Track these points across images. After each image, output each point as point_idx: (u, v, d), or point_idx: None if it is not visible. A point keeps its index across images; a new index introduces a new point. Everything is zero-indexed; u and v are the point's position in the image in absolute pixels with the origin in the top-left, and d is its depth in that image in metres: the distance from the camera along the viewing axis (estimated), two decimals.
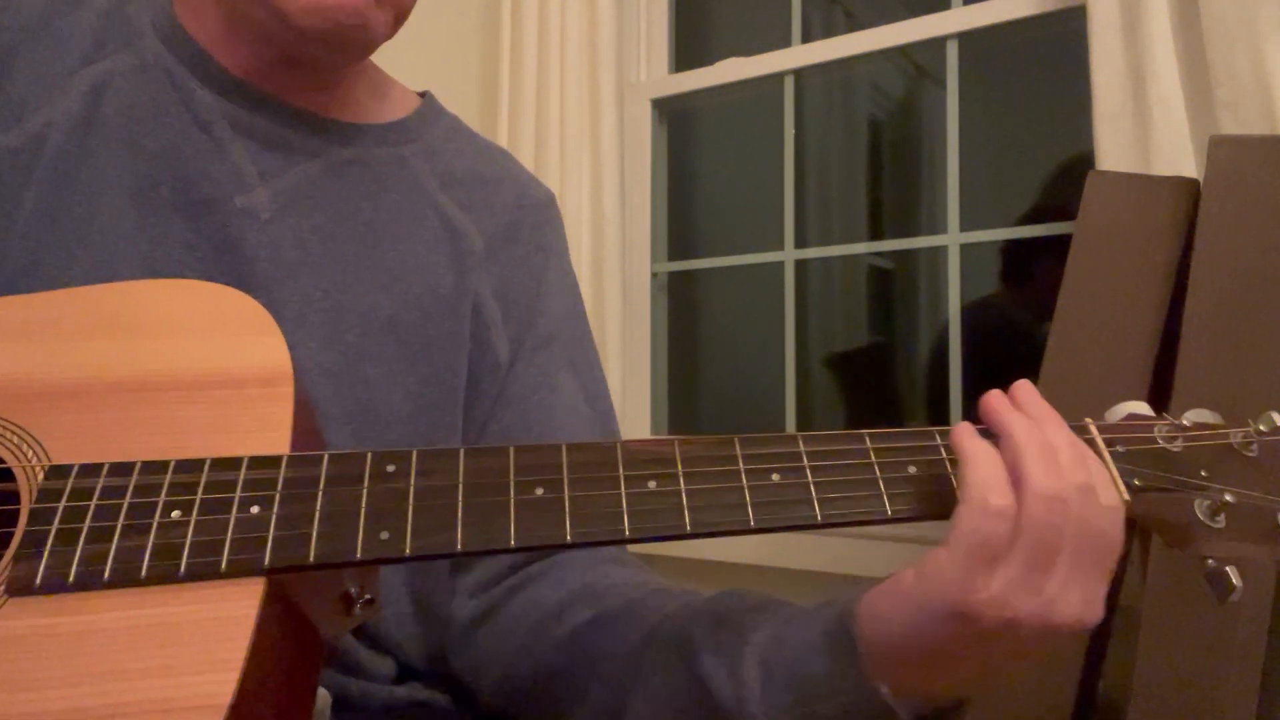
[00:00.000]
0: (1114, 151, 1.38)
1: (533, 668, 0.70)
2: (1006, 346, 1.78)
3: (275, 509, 0.49)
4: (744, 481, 0.52)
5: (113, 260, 0.68)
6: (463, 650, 0.76)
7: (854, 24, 2.19)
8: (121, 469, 0.50)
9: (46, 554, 0.47)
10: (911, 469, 0.54)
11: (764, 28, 2.12)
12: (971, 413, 0.56)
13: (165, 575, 0.47)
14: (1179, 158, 1.31)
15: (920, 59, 2.10)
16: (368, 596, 0.54)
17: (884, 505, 0.53)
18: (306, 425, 0.56)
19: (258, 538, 0.48)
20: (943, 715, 0.54)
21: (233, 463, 0.51)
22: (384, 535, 0.49)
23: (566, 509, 0.51)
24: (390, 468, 0.51)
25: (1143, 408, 0.60)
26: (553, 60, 2.00)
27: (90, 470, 0.50)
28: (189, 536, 0.48)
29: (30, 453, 0.52)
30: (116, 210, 0.69)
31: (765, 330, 1.98)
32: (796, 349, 1.94)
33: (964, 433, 0.53)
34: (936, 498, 0.54)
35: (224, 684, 0.43)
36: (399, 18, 0.74)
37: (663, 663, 0.60)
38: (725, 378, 2.35)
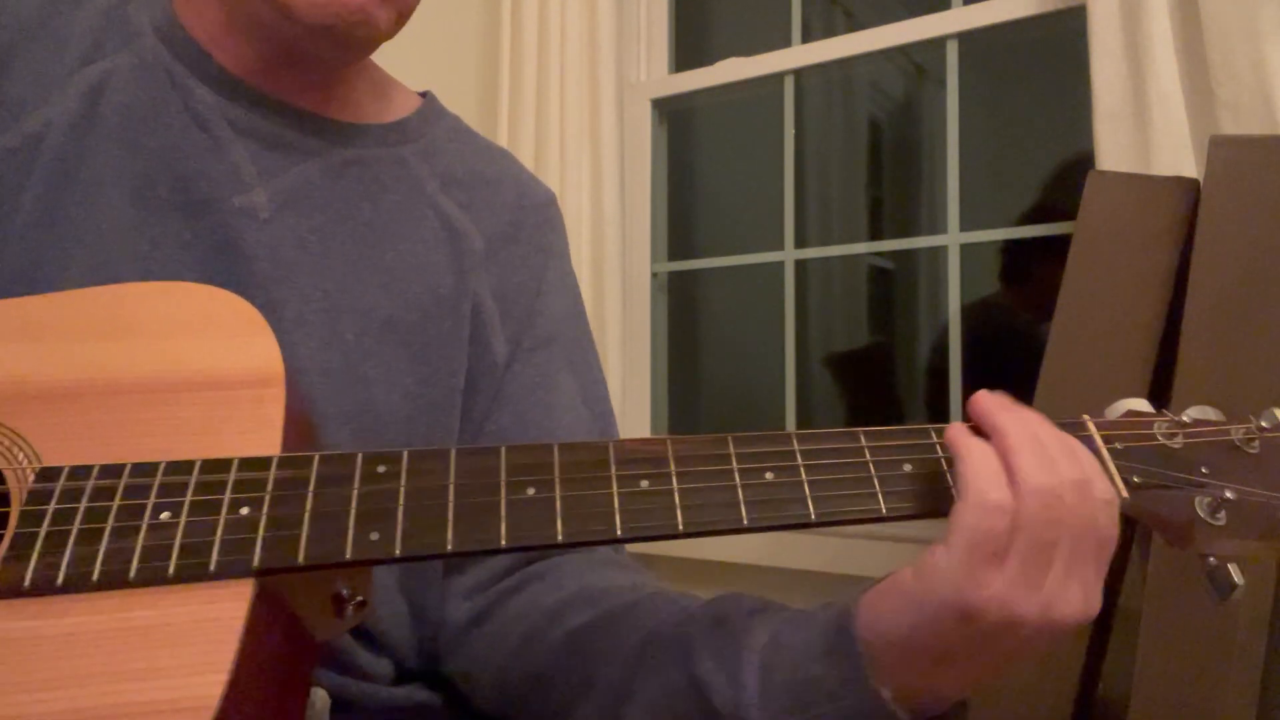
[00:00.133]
0: (1114, 151, 1.38)
1: (528, 671, 0.70)
2: (1006, 346, 1.78)
3: (265, 510, 0.49)
4: (737, 480, 0.52)
5: (111, 260, 0.68)
6: (457, 653, 0.76)
7: (854, 24, 2.19)
8: (112, 470, 0.50)
9: (35, 556, 0.47)
10: (907, 467, 0.54)
11: (764, 28, 2.12)
12: None
13: (154, 577, 0.47)
14: (1179, 158, 1.31)
15: (920, 59, 2.10)
16: (359, 598, 0.54)
17: (879, 504, 0.53)
18: (299, 426, 0.56)
19: (247, 539, 0.48)
20: (945, 717, 0.54)
21: (223, 464, 0.51)
22: (374, 536, 0.49)
23: (558, 509, 0.50)
24: (381, 468, 0.51)
25: (1142, 405, 0.59)
26: (553, 60, 1.99)
27: (80, 472, 0.50)
28: (178, 538, 0.48)
29: (21, 455, 0.51)
30: (115, 210, 0.69)
31: (765, 330, 1.98)
32: (796, 349, 1.94)
33: (959, 431, 0.53)
34: (932, 496, 0.53)
35: (212, 685, 0.43)
36: (401, 16, 0.74)
37: (660, 666, 0.60)
38: (725, 378, 2.35)
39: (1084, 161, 1.43)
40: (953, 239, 1.73)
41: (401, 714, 0.74)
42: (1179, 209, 1.17)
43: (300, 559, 0.48)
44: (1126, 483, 0.54)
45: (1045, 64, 1.85)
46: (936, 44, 1.77)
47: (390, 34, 0.74)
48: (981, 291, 1.79)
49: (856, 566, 1.65)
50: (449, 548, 0.49)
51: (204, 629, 0.45)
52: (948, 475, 0.53)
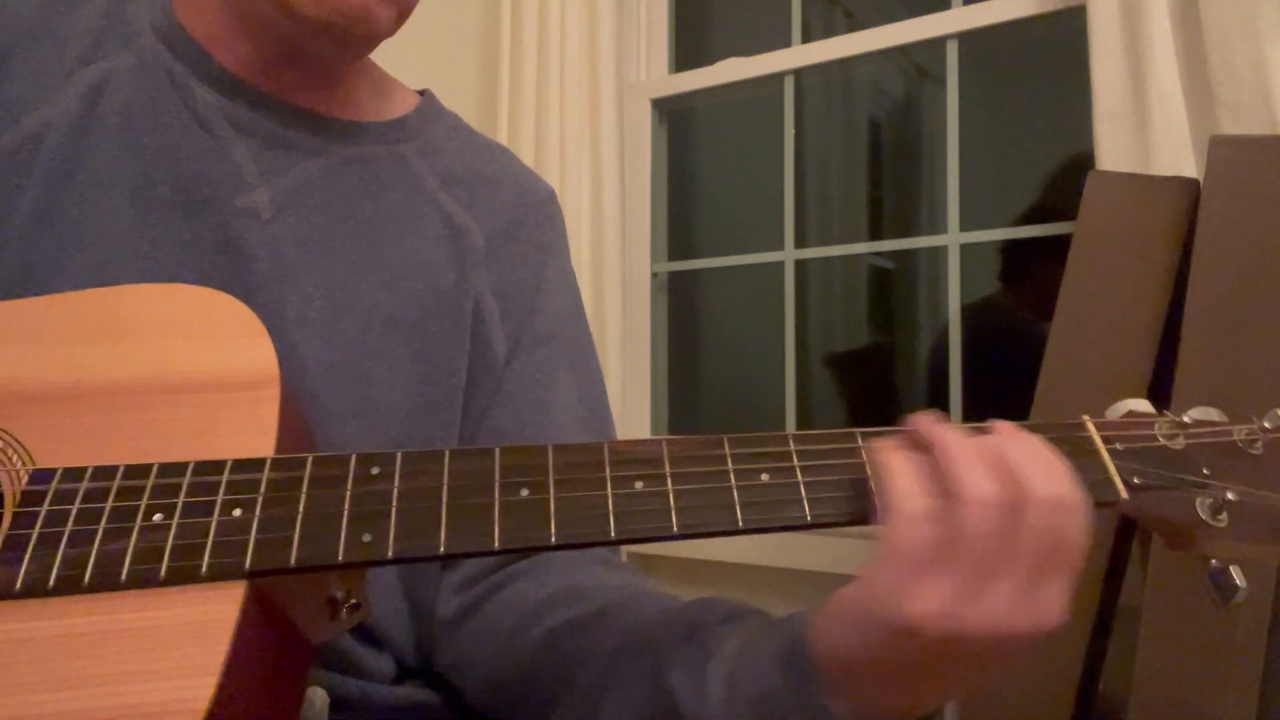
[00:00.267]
0: (1114, 151, 1.37)
1: (512, 668, 0.70)
2: (1006, 346, 1.77)
3: (257, 511, 0.49)
4: (733, 482, 0.51)
5: (110, 261, 0.68)
6: (447, 648, 0.76)
7: (854, 24, 2.19)
8: (105, 472, 0.50)
9: (27, 558, 0.47)
10: None
11: (764, 28, 2.11)
12: (971, 413, 0.55)
13: (145, 579, 0.46)
14: (1179, 158, 1.31)
15: (920, 59, 2.10)
16: (354, 601, 0.54)
17: (876, 505, 0.52)
18: (294, 427, 0.56)
19: (239, 541, 0.48)
20: None
21: (216, 466, 0.50)
22: (366, 538, 0.48)
23: (551, 510, 0.50)
24: (374, 469, 0.51)
25: (1143, 405, 0.59)
26: (553, 60, 1.99)
27: (74, 474, 0.50)
28: (170, 540, 0.48)
29: (15, 456, 0.51)
30: (114, 210, 0.69)
31: (765, 330, 1.98)
32: (796, 349, 1.94)
33: (883, 448, 0.52)
34: None
35: (202, 688, 0.43)
36: (402, 14, 0.74)
37: (634, 672, 0.60)
38: (725, 378, 2.35)
39: (1084, 161, 1.43)
40: (953, 239, 1.73)
41: (401, 713, 0.74)
42: (1179, 209, 1.17)
43: (292, 561, 0.47)
44: (1126, 484, 0.53)
45: (1045, 64, 1.85)
46: (936, 44, 1.77)
47: (390, 32, 0.74)
48: (981, 291, 1.79)
49: (857, 567, 1.64)
50: (441, 549, 0.48)
51: (195, 631, 0.45)
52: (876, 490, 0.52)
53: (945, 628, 0.47)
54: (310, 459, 0.51)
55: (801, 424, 1.94)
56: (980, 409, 1.57)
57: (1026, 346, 1.65)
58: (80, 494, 0.49)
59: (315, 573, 0.49)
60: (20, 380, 0.54)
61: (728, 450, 0.53)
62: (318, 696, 0.61)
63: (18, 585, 0.46)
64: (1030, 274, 1.75)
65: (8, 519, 0.49)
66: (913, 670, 0.49)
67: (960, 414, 1.69)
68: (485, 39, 2.18)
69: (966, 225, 1.72)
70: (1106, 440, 0.55)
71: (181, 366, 0.56)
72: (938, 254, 1.78)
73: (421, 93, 0.87)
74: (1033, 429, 0.55)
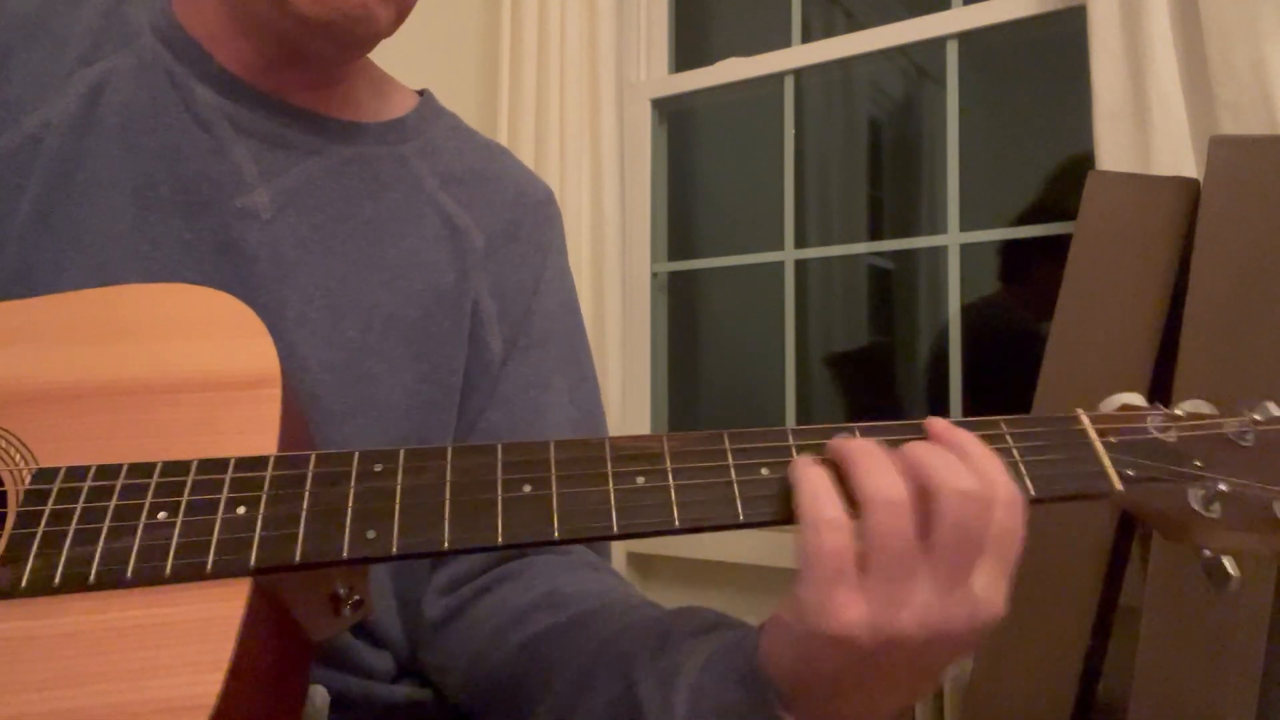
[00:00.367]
0: (1114, 151, 1.38)
1: (492, 672, 0.70)
2: (1006, 346, 1.78)
3: (261, 509, 0.49)
4: (733, 476, 0.52)
5: (111, 261, 0.68)
6: (431, 649, 0.76)
7: (854, 24, 2.19)
8: (108, 471, 0.50)
9: (32, 557, 0.47)
10: None
11: (764, 28, 2.12)
12: (971, 413, 0.55)
13: (151, 577, 0.46)
14: (1179, 158, 1.31)
15: (920, 59, 2.10)
16: (357, 598, 0.54)
17: None
18: (295, 427, 0.56)
19: (244, 538, 0.48)
20: None
21: (220, 464, 0.51)
22: (371, 534, 0.49)
23: (554, 506, 0.50)
24: (377, 467, 0.51)
25: (1136, 399, 0.60)
26: (553, 60, 1.99)
27: (77, 473, 0.50)
28: (175, 538, 0.48)
29: (18, 456, 0.51)
30: (114, 211, 0.69)
31: (765, 330, 1.98)
32: (796, 349, 1.94)
33: (795, 464, 0.52)
34: None
35: (209, 684, 0.43)
36: (401, 14, 0.74)
37: (605, 683, 0.60)
38: (725, 378, 2.35)
39: (1084, 161, 1.43)
40: (953, 239, 1.74)
41: (401, 710, 0.74)
42: (1179, 209, 1.17)
43: (297, 558, 0.47)
44: (1121, 476, 0.54)
45: (1045, 64, 1.85)
46: (936, 44, 1.77)
47: (389, 31, 0.74)
48: (981, 291, 1.79)
49: None
50: (445, 545, 0.49)
51: (201, 628, 0.45)
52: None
53: (875, 636, 0.47)
54: (313, 457, 0.51)
55: (801, 424, 1.94)
56: (980, 409, 1.57)
57: (1026, 346, 1.66)
58: (84, 492, 0.49)
59: (319, 569, 0.49)
60: (21, 380, 0.54)
61: (727, 445, 0.53)
62: (318, 694, 0.61)
63: (23, 583, 0.46)
64: (1030, 274, 1.76)
65: (11, 518, 0.49)
66: (862, 679, 0.49)
67: (960, 414, 1.69)
68: (485, 39, 2.18)
69: (966, 225, 1.73)
70: (1101, 433, 0.56)
71: (182, 366, 0.56)
72: (938, 254, 1.78)
73: (420, 93, 0.88)
74: (1024, 423, 0.55)
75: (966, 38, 1.74)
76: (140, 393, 0.54)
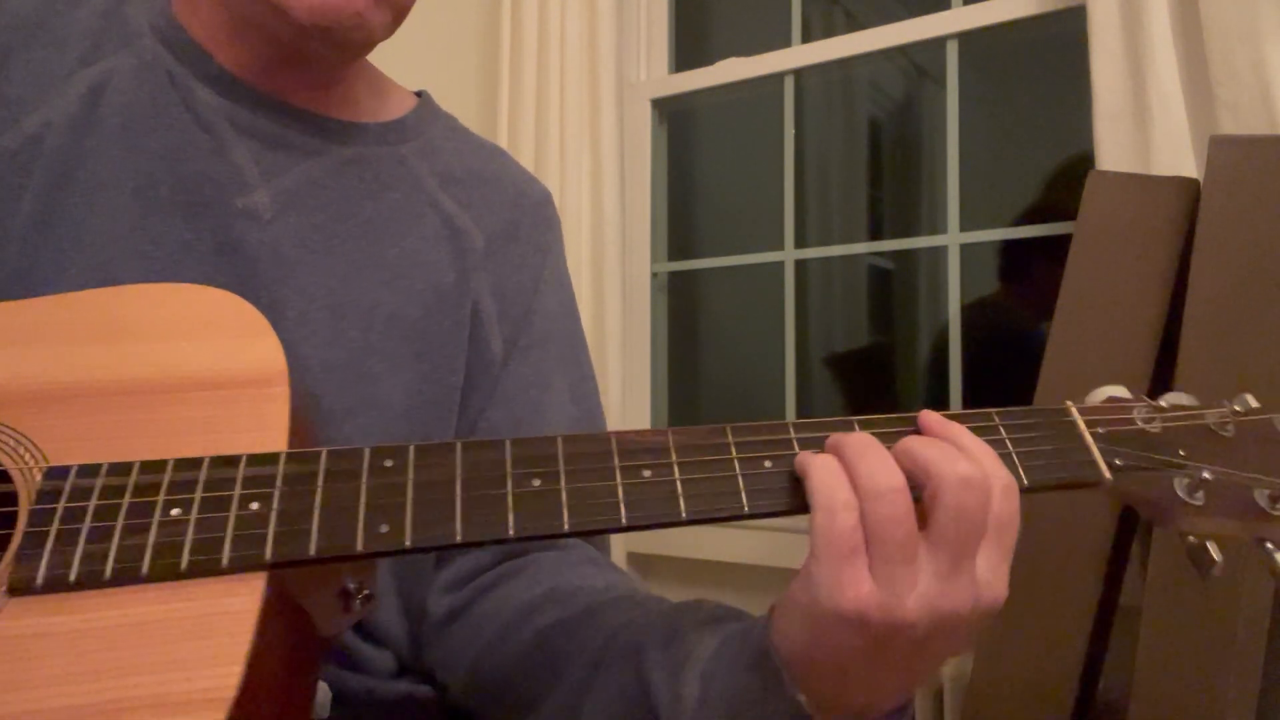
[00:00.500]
0: (1114, 151, 1.38)
1: (498, 667, 0.70)
2: (1006, 346, 1.78)
3: (275, 505, 0.49)
4: (737, 469, 0.53)
5: (111, 262, 0.68)
6: (435, 646, 0.76)
7: (854, 24, 2.20)
8: (120, 469, 0.50)
9: (47, 553, 0.47)
10: None
11: (764, 28, 2.12)
12: None
13: (167, 572, 0.47)
14: (1179, 158, 1.31)
15: (920, 59, 2.10)
16: (366, 592, 0.54)
17: None
18: (303, 425, 0.56)
19: (258, 533, 0.48)
20: None
21: (231, 460, 0.51)
22: (384, 528, 0.49)
23: (564, 499, 0.51)
24: (388, 462, 0.51)
25: (1121, 391, 0.62)
26: (553, 60, 2.00)
27: (89, 470, 0.50)
28: (189, 534, 0.48)
29: (28, 455, 0.51)
30: (115, 212, 0.69)
31: (765, 330, 1.98)
32: (796, 349, 1.94)
33: (803, 455, 0.53)
34: None
35: (228, 677, 0.43)
36: (398, 17, 0.75)
37: (616, 672, 0.60)
38: (725, 378, 2.35)
39: (1084, 161, 1.43)
40: (953, 239, 1.74)
41: (401, 707, 0.75)
42: (1179, 209, 1.17)
43: (312, 551, 0.48)
44: (1110, 465, 0.56)
45: (1045, 64, 1.85)
46: (936, 44, 1.77)
47: (386, 35, 0.75)
48: (981, 291, 1.79)
49: None
50: (458, 538, 0.49)
51: (219, 622, 0.45)
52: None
53: (885, 617, 0.48)
54: (324, 453, 0.51)
55: None
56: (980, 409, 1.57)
57: (1026, 346, 1.66)
58: (96, 490, 0.49)
59: (333, 564, 0.49)
60: (25, 381, 0.54)
61: (731, 439, 0.54)
62: (320, 691, 0.61)
63: (39, 580, 0.46)
64: (1030, 274, 1.76)
65: (24, 516, 0.49)
66: (869, 661, 0.50)
67: None
68: (485, 39, 2.19)
69: (966, 225, 1.73)
70: (1090, 425, 0.58)
71: (188, 365, 0.56)
72: (937, 254, 1.79)
73: (418, 94, 0.88)
74: (1016, 415, 0.57)
75: (966, 38, 1.74)
76: (146, 392, 0.55)
